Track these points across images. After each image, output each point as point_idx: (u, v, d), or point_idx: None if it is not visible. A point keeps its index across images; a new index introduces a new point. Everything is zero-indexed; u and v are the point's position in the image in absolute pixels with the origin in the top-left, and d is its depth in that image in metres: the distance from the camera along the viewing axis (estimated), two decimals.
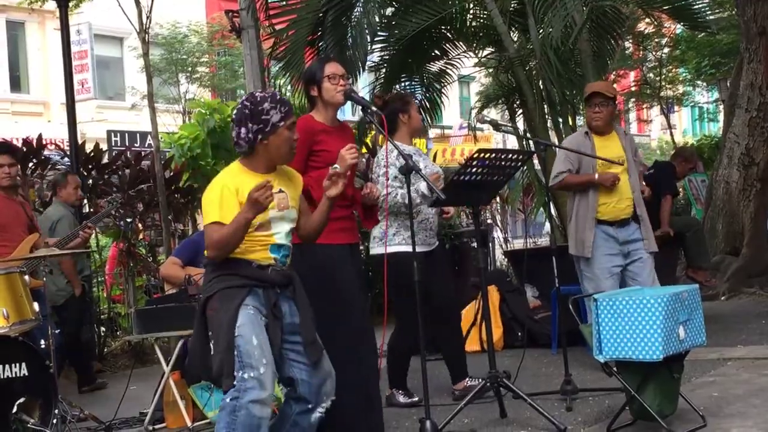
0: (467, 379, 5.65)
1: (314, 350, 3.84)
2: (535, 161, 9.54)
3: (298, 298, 3.88)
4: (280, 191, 3.85)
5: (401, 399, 5.64)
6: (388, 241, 5.38)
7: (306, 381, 3.85)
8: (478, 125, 5.59)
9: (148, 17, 9.87)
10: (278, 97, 3.85)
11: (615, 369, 4.41)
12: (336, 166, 4.30)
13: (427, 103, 9.79)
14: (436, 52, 9.60)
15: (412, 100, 5.82)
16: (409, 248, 5.13)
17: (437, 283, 5.47)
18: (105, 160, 10.38)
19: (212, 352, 3.71)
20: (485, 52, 10.09)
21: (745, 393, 4.98)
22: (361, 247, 6.98)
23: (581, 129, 6.32)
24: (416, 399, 5.53)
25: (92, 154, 9.78)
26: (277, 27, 8.95)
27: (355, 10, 8.82)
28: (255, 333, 3.67)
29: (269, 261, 3.81)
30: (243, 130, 3.78)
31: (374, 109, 4.57)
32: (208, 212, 3.76)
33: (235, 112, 3.85)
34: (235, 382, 3.63)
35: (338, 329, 4.33)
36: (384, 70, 9.32)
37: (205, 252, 3.83)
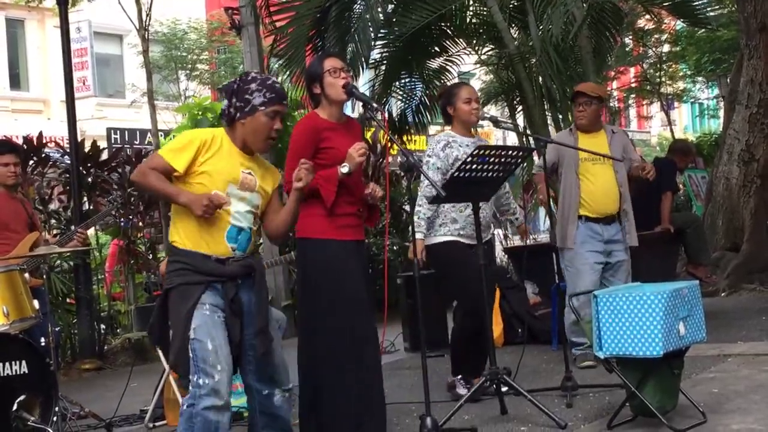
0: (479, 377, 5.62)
1: (263, 340, 3.76)
2: (535, 158, 9.55)
3: (257, 287, 3.80)
4: (250, 174, 3.82)
5: (461, 390, 5.43)
6: (434, 231, 5.45)
7: (253, 370, 3.83)
8: (478, 122, 5.65)
9: (147, 14, 9.89)
10: (270, 82, 3.83)
11: (615, 364, 4.41)
12: (346, 164, 4.31)
13: (426, 100, 9.80)
14: (436, 49, 9.59)
15: (458, 91, 5.62)
16: (453, 238, 5.41)
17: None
18: (104, 157, 10.37)
19: (171, 340, 3.75)
20: (485, 49, 10.08)
21: (745, 389, 4.97)
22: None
23: (568, 128, 6.45)
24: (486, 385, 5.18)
25: (91, 152, 9.77)
26: (278, 24, 8.94)
27: (358, 5, 8.82)
28: (211, 336, 3.61)
29: (228, 253, 3.74)
30: (226, 102, 3.83)
31: (374, 105, 4.57)
32: (169, 145, 3.79)
33: (226, 84, 3.94)
34: (191, 387, 3.61)
35: (343, 325, 4.33)
36: (384, 67, 9.31)
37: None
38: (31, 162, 9.36)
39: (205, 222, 3.69)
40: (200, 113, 11.71)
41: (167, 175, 3.71)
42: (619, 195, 6.15)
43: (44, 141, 9.64)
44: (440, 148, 5.48)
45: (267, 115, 3.79)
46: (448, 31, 9.41)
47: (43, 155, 9.60)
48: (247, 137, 3.82)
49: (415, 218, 5.39)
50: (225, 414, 3.63)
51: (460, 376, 5.50)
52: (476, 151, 4.72)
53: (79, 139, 9.29)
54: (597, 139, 6.18)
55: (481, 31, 9.47)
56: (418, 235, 5.37)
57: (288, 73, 8.86)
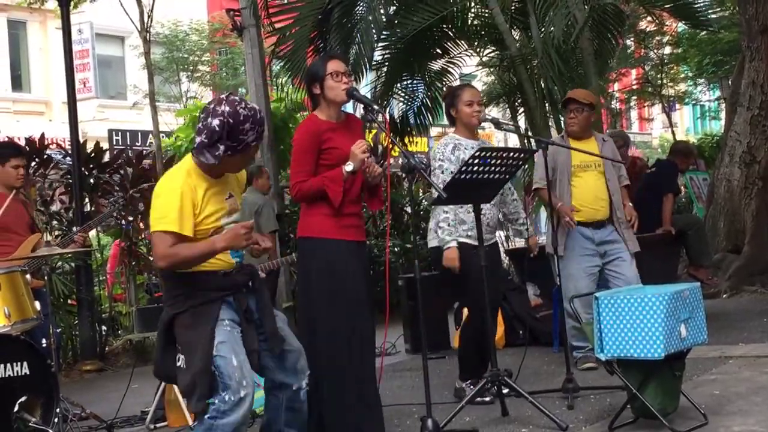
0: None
1: (276, 341, 3.81)
2: (537, 168, 9.54)
3: (258, 290, 3.85)
4: (230, 196, 3.85)
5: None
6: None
7: (281, 365, 3.87)
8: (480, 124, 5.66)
9: (149, 16, 9.89)
10: (258, 116, 3.76)
11: (617, 366, 4.40)
12: (350, 163, 4.30)
13: (428, 102, 9.81)
14: (438, 50, 9.60)
15: (460, 93, 5.61)
16: (462, 240, 5.33)
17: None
18: (106, 159, 10.38)
19: (182, 368, 3.67)
20: (487, 51, 10.09)
21: (746, 391, 4.97)
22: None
23: (561, 134, 6.42)
24: (487, 399, 5.16)
25: (93, 153, 9.79)
26: (279, 25, 8.96)
27: (359, 7, 8.83)
28: (235, 352, 3.63)
29: (232, 265, 3.78)
30: (222, 147, 3.65)
31: (376, 107, 4.56)
32: (166, 217, 3.62)
33: (209, 120, 3.67)
34: (215, 400, 3.60)
35: (343, 325, 4.33)
36: (385, 69, 9.32)
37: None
38: (33, 163, 9.36)
39: None
40: None
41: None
42: (610, 202, 6.13)
43: (46, 142, 9.65)
44: (449, 151, 5.46)
45: (257, 148, 3.86)
46: (449, 32, 9.42)
47: (45, 157, 9.61)
48: (231, 167, 3.83)
49: (445, 225, 5.31)
50: (244, 428, 3.68)
51: (468, 382, 5.46)
52: (478, 153, 4.72)
53: (81, 140, 9.30)
54: (588, 146, 6.15)
55: (482, 32, 9.48)
56: (453, 243, 5.30)
57: (289, 75, 8.87)
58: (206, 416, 3.62)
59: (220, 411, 3.59)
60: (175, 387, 5.52)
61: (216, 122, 3.66)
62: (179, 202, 3.64)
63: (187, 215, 3.65)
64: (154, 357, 3.88)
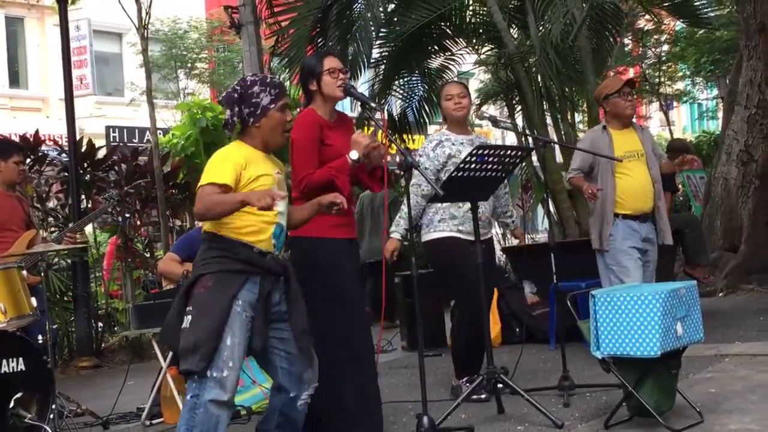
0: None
1: (303, 339, 3.85)
2: (534, 158, 9.55)
3: (291, 289, 3.89)
4: (278, 173, 3.92)
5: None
6: (434, 227, 5.45)
7: (286, 369, 3.88)
8: (477, 121, 5.63)
9: (147, 13, 9.88)
10: (268, 80, 3.92)
11: (613, 364, 4.40)
12: (354, 152, 4.27)
13: (427, 99, 9.80)
14: (436, 48, 9.61)
15: (442, 89, 5.72)
16: (454, 234, 5.38)
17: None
18: (100, 155, 10.36)
19: (186, 327, 3.68)
20: (485, 49, 10.09)
21: (742, 389, 4.97)
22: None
23: (599, 124, 6.25)
24: (483, 396, 5.19)
25: (87, 150, 9.76)
26: (279, 23, 8.96)
27: (358, 4, 8.83)
28: (233, 332, 3.66)
29: (269, 247, 3.81)
30: (229, 112, 3.86)
31: (373, 105, 4.55)
32: (213, 171, 3.74)
33: (224, 95, 3.93)
34: (197, 377, 3.65)
35: (337, 324, 4.32)
36: (384, 67, 9.31)
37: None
38: (28, 160, 9.34)
39: (258, 219, 3.75)
40: (199, 113, 11.70)
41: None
42: (654, 192, 6.05)
43: (42, 139, 9.63)
44: (431, 148, 5.49)
45: (279, 111, 3.88)
46: (447, 30, 9.42)
47: (41, 153, 9.59)
48: (265, 137, 3.89)
49: (396, 216, 5.43)
50: (226, 410, 3.71)
51: (465, 379, 5.45)
52: (475, 151, 4.72)
53: (78, 137, 9.28)
54: (629, 135, 5.99)
55: (480, 30, 9.48)
56: (394, 235, 5.39)
57: (289, 73, 8.87)
58: (189, 396, 3.69)
59: (202, 388, 3.65)
60: (171, 383, 5.56)
61: (226, 94, 3.91)
62: (224, 162, 3.76)
63: (227, 167, 3.73)
64: (166, 319, 3.86)
